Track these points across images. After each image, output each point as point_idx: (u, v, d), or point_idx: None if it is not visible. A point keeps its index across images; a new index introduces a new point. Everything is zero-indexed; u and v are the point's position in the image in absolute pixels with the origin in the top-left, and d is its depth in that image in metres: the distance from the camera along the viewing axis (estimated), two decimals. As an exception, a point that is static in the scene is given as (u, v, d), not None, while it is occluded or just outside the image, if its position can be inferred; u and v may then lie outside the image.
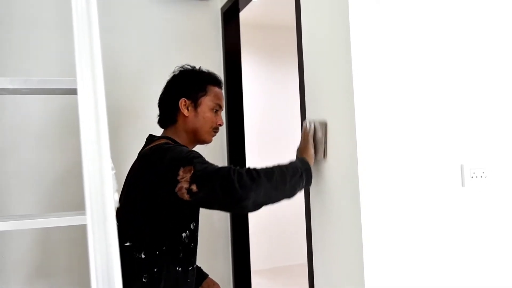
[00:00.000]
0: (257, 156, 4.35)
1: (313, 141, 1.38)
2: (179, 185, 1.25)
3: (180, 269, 1.43)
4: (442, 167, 1.31)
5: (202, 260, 2.04)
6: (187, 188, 1.24)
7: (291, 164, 1.31)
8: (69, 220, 0.82)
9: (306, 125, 1.41)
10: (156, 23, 2.28)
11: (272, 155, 4.58)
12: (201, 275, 1.81)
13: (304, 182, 1.30)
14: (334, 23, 1.31)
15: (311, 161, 1.35)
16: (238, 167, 1.24)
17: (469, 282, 1.31)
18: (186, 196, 1.25)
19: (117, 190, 0.77)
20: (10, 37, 2.02)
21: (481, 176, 1.36)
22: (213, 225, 2.33)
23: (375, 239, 1.21)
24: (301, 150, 1.39)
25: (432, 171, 1.29)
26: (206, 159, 1.33)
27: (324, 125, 1.36)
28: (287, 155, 1.55)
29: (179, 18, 2.33)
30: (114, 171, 0.81)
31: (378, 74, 1.24)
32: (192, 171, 1.24)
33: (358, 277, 1.22)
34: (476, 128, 1.35)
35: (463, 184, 1.34)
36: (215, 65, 2.37)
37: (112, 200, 0.68)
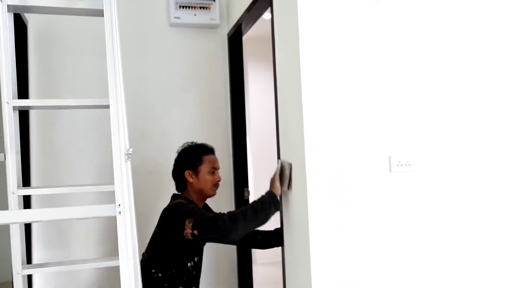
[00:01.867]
0: (260, 158, 4.75)
1: (281, 176, 1.87)
2: (186, 230, 1.85)
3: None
4: (375, 159, 1.76)
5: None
6: (191, 233, 1.85)
7: (261, 199, 1.86)
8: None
9: (278, 163, 1.92)
10: (174, 47, 2.83)
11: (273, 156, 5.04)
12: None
13: (274, 209, 1.85)
14: (290, 42, 1.81)
15: (277, 192, 1.86)
16: (223, 213, 1.86)
17: (398, 250, 1.77)
18: (189, 237, 1.86)
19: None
20: (62, 63, 2.63)
21: (405, 164, 1.82)
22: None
23: (320, 230, 1.68)
24: (271, 182, 1.90)
25: (366, 163, 1.75)
26: (204, 211, 1.99)
27: (290, 165, 1.83)
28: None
29: (193, 43, 2.87)
30: (131, 152, 1.35)
31: (321, 87, 1.72)
32: (193, 221, 1.85)
33: (306, 259, 1.72)
34: (401, 127, 1.80)
35: (390, 170, 1.80)
36: (222, 81, 2.91)
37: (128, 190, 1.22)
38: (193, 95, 2.86)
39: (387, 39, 1.82)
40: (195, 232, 1.84)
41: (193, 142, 2.20)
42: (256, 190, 4.94)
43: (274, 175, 1.90)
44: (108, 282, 2.61)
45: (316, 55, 1.72)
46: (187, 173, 2.11)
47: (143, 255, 2.07)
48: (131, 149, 1.41)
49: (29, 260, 2.42)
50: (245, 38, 2.86)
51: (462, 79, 1.90)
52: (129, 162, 1.26)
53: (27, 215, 1.30)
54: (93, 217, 1.08)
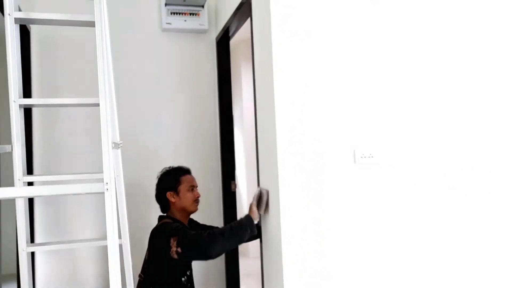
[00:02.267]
0: (254, 154, 4.89)
1: (259, 201, 2.07)
2: (172, 249, 2.00)
3: None
4: (341, 152, 1.95)
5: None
6: (175, 251, 1.99)
7: (239, 221, 2.05)
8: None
9: (257, 190, 2.10)
10: (166, 51, 3.05)
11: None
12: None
13: (249, 232, 2.02)
14: (265, 39, 2.02)
15: (254, 216, 2.05)
16: (203, 232, 2.00)
17: (359, 231, 1.96)
18: (175, 256, 2.00)
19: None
20: (62, 65, 2.85)
21: (368, 156, 2.02)
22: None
23: (295, 224, 1.87)
24: (249, 207, 2.09)
25: (333, 155, 1.94)
26: (187, 230, 2.09)
27: (267, 192, 2.01)
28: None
29: (184, 47, 3.09)
30: (121, 143, 1.58)
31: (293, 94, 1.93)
32: (177, 239, 2.00)
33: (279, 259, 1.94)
34: (364, 124, 1.99)
35: (355, 162, 1.99)
36: (211, 82, 3.13)
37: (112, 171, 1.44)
38: (184, 95, 3.07)
39: (351, 40, 1.99)
40: (179, 249, 1.98)
41: (170, 167, 2.39)
42: (249, 184, 5.15)
43: (253, 201, 2.09)
44: (105, 266, 2.84)
45: (288, 55, 1.90)
46: (168, 194, 2.28)
47: (139, 276, 2.25)
48: (121, 142, 1.64)
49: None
50: (239, 41, 3.04)
51: (424, 77, 2.07)
52: (118, 151, 1.49)
53: (30, 191, 1.54)
54: (85, 193, 1.30)
